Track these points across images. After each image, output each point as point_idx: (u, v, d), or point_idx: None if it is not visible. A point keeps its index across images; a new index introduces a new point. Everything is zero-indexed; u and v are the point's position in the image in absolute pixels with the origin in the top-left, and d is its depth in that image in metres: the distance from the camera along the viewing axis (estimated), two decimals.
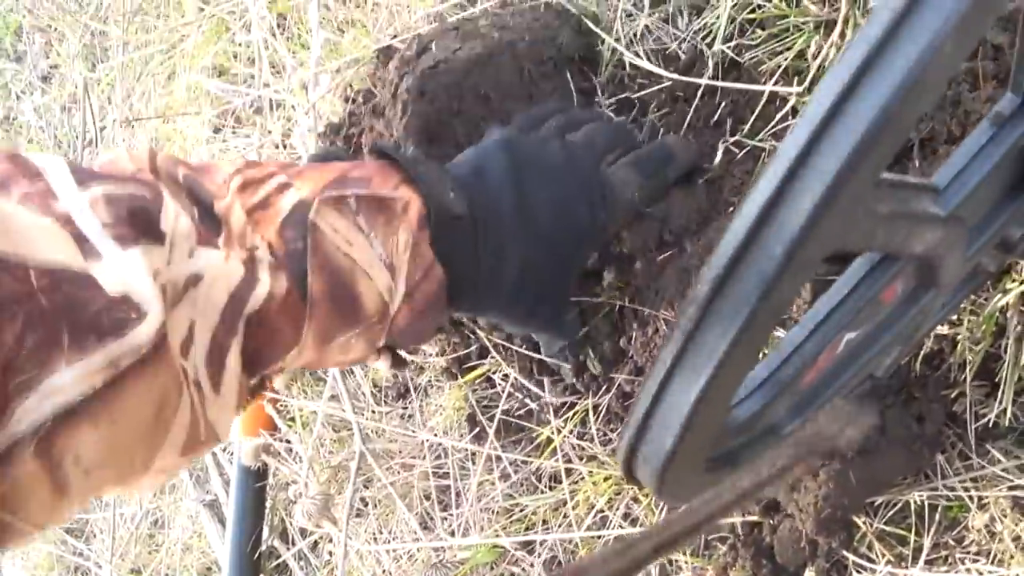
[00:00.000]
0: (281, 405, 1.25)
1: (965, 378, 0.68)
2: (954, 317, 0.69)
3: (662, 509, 0.82)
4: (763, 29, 0.88)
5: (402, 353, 0.69)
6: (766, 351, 0.46)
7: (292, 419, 1.25)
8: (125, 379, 0.41)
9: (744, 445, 0.44)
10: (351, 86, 1.15)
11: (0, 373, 0.36)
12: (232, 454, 1.35)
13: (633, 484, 0.39)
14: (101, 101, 2.01)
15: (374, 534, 1.10)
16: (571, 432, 0.89)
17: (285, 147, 1.33)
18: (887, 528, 0.71)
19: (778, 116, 0.86)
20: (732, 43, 0.90)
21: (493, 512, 0.96)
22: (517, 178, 0.66)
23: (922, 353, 0.69)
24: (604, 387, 0.84)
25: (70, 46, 2.27)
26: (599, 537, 0.87)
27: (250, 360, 0.51)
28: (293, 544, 1.30)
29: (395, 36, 1.16)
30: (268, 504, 1.30)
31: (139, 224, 0.45)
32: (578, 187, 0.69)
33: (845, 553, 0.71)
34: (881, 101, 0.28)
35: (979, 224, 0.46)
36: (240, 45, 1.56)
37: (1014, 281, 0.63)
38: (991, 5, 0.29)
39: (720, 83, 0.88)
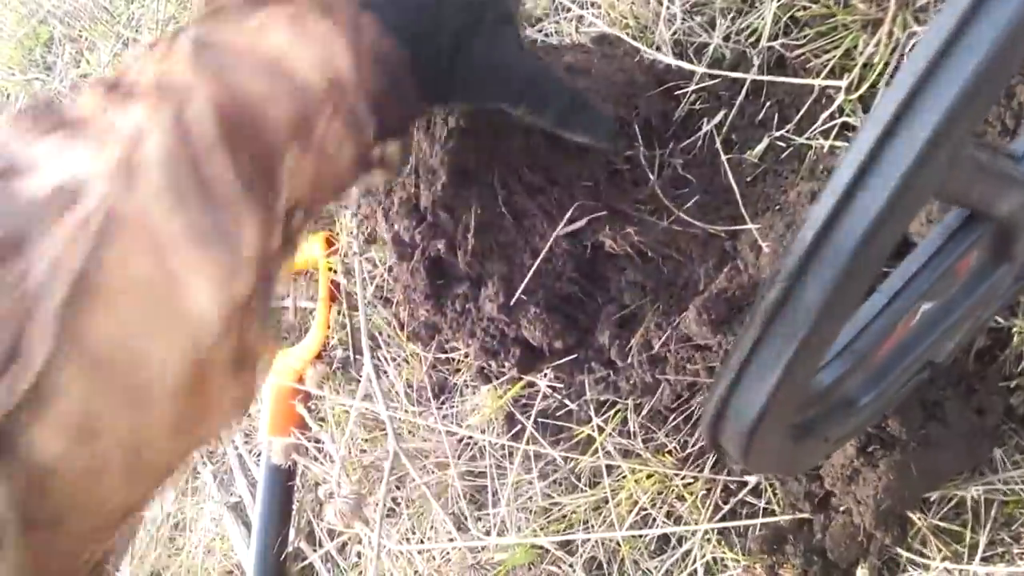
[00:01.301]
0: (313, 404, 1.25)
1: (1021, 371, 0.67)
2: (1008, 309, 0.69)
3: (708, 507, 0.81)
4: (809, 28, 0.89)
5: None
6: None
7: (323, 418, 1.25)
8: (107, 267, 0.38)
9: (822, 415, 0.44)
10: None
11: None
12: (260, 454, 1.35)
13: (716, 450, 0.38)
14: None
15: (406, 534, 1.09)
16: (613, 431, 0.88)
17: None
18: (942, 524, 0.70)
19: (824, 115, 0.86)
20: (777, 42, 0.90)
21: (531, 512, 0.95)
22: None
23: (977, 346, 0.69)
24: (647, 385, 0.84)
25: (101, 56, 2.30)
26: (641, 536, 0.86)
27: (251, 183, 0.46)
28: (320, 546, 1.29)
29: None
30: (295, 505, 1.29)
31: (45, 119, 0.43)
32: None
33: (898, 550, 0.70)
34: (987, 42, 0.28)
35: None
36: None
37: None
38: None
39: (764, 77, 0.88)
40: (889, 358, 0.46)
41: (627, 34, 0.99)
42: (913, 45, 0.80)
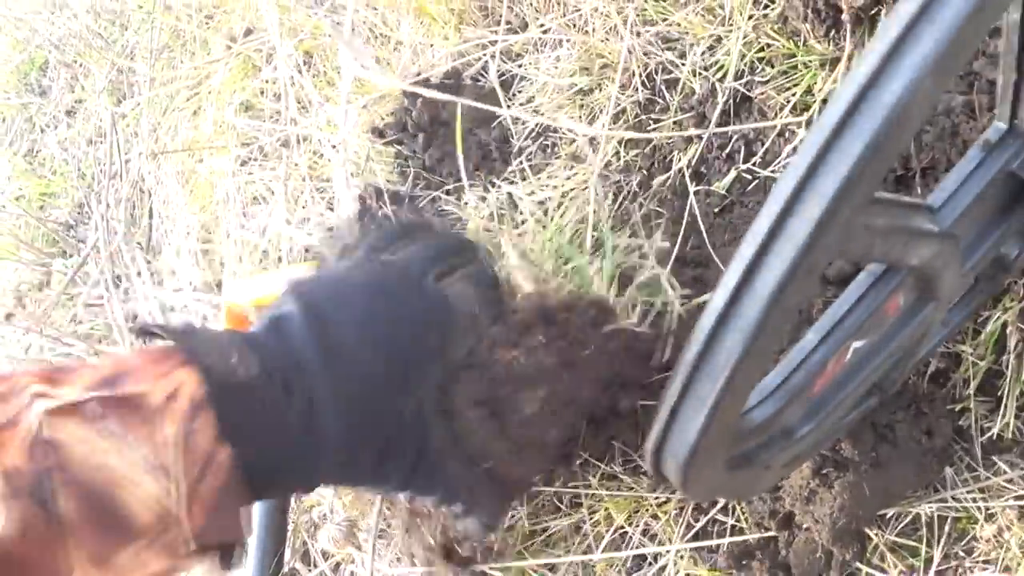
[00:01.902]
0: None
1: (970, 394, 0.71)
2: (958, 336, 0.73)
3: (681, 525, 0.85)
4: (772, 67, 0.93)
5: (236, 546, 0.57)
6: (775, 361, 0.50)
7: None
8: None
9: (761, 446, 0.47)
10: (382, 118, 1.20)
11: None
12: None
13: (660, 480, 0.42)
14: (126, 135, 2.07)
15: (399, 555, 1.12)
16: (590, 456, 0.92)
17: (312, 179, 1.38)
18: (898, 540, 0.74)
19: (787, 149, 0.90)
20: (741, 82, 0.94)
21: (517, 535, 0.98)
22: (316, 313, 0.59)
23: (929, 371, 0.73)
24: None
25: (96, 81, 2.34)
26: (618, 556, 0.89)
27: None
28: (315, 566, 1.32)
29: (419, 73, 1.21)
30: (290, 526, 1.33)
31: None
32: (394, 305, 0.63)
33: (859, 565, 0.74)
34: (872, 130, 0.32)
35: (973, 241, 0.49)
36: (267, 82, 1.62)
37: (1013, 300, 0.67)
38: (960, 49, 0.33)
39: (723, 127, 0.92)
40: (825, 392, 0.49)
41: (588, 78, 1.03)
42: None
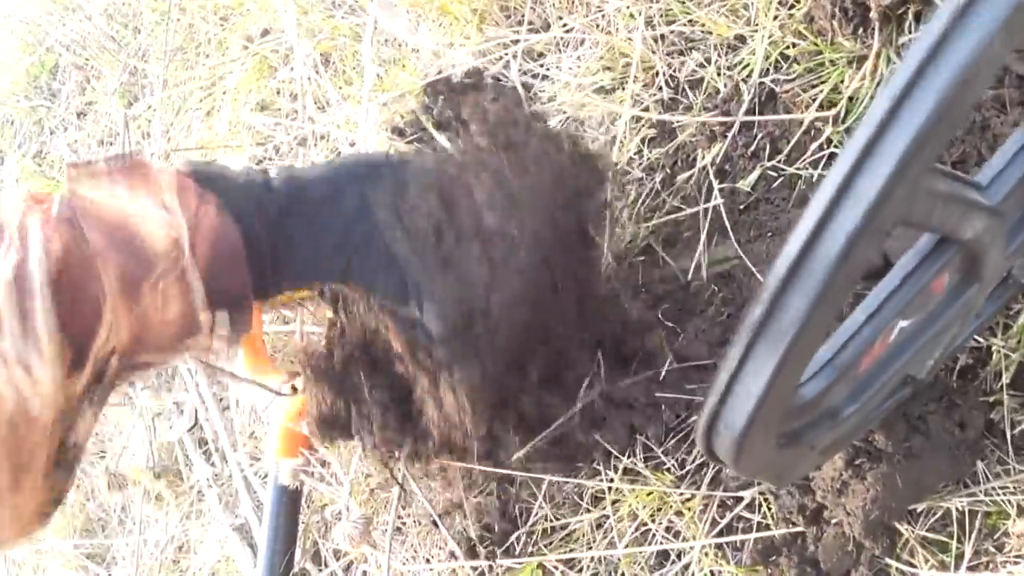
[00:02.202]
0: None
1: (1002, 387, 0.71)
2: (989, 329, 0.72)
3: (706, 522, 0.84)
4: (798, 64, 0.93)
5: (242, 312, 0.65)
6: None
7: None
8: None
9: (808, 425, 0.47)
10: (402, 116, 1.20)
11: None
12: (265, 476, 1.38)
13: (710, 457, 0.42)
14: (138, 136, 2.07)
15: (413, 553, 1.12)
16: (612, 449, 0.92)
17: None
18: (929, 535, 0.73)
19: (813, 146, 0.90)
20: (768, 78, 0.94)
21: (537, 532, 0.98)
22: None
23: (960, 364, 0.72)
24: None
25: (107, 83, 2.35)
26: (642, 552, 0.89)
27: (68, 323, 0.52)
28: (326, 566, 1.31)
29: (440, 72, 1.22)
30: (301, 526, 1.32)
31: None
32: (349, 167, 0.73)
33: (888, 560, 0.73)
34: (942, 87, 0.32)
35: (1016, 224, 0.49)
36: (283, 81, 1.62)
37: None
38: None
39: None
40: (870, 372, 0.49)
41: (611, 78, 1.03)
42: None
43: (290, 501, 1.30)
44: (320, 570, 1.33)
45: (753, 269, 0.85)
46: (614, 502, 0.89)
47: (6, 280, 0.50)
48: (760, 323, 0.35)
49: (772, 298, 0.34)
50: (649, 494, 0.88)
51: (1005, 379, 0.70)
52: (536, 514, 0.97)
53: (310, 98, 1.47)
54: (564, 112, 1.10)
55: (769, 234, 0.89)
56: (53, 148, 2.56)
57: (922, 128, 0.31)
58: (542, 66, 1.16)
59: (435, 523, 1.09)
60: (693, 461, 0.86)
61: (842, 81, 0.89)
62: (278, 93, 1.66)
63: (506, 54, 1.18)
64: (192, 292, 0.57)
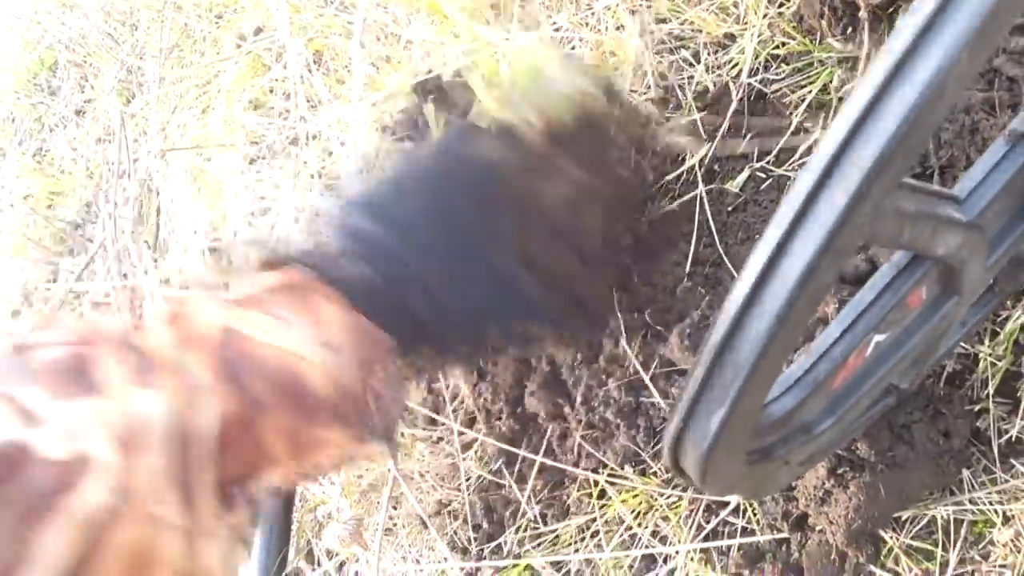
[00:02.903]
0: None
1: (988, 395, 0.70)
2: (975, 336, 0.72)
3: (692, 526, 0.84)
4: (787, 64, 0.92)
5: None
6: (795, 354, 0.49)
7: None
8: (105, 538, 0.39)
9: (780, 441, 0.46)
10: (391, 115, 1.20)
11: None
12: None
13: (678, 474, 0.41)
14: (135, 134, 2.07)
15: (404, 553, 1.12)
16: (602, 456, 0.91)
17: (321, 177, 1.37)
18: (913, 543, 0.73)
19: (802, 148, 0.89)
20: (757, 78, 0.93)
21: (526, 534, 0.97)
22: (385, 219, 0.62)
23: (946, 371, 0.72)
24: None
25: (105, 81, 2.34)
26: (628, 555, 0.88)
27: (230, 486, 0.47)
28: (319, 565, 1.31)
29: (430, 71, 1.21)
30: (295, 525, 1.32)
31: (76, 379, 0.43)
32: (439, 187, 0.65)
33: (873, 568, 0.73)
34: (906, 107, 0.31)
35: (997, 235, 0.48)
36: (276, 80, 1.62)
37: None
38: (995, 25, 0.32)
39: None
40: (846, 386, 0.48)
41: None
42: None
43: (282, 500, 1.30)
44: (313, 569, 1.33)
45: (735, 272, 0.84)
46: (601, 506, 0.89)
47: (167, 434, 0.44)
48: (721, 346, 0.34)
49: (732, 321, 0.34)
50: (635, 496, 0.88)
51: (991, 387, 0.69)
52: (524, 515, 0.97)
53: (302, 97, 1.47)
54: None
55: (757, 236, 0.88)
56: (53, 146, 2.56)
57: (885, 148, 0.31)
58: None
59: (424, 524, 1.08)
60: None
61: (831, 81, 0.88)
62: (271, 92, 1.65)
63: (496, 52, 1.17)
64: (356, 427, 0.52)
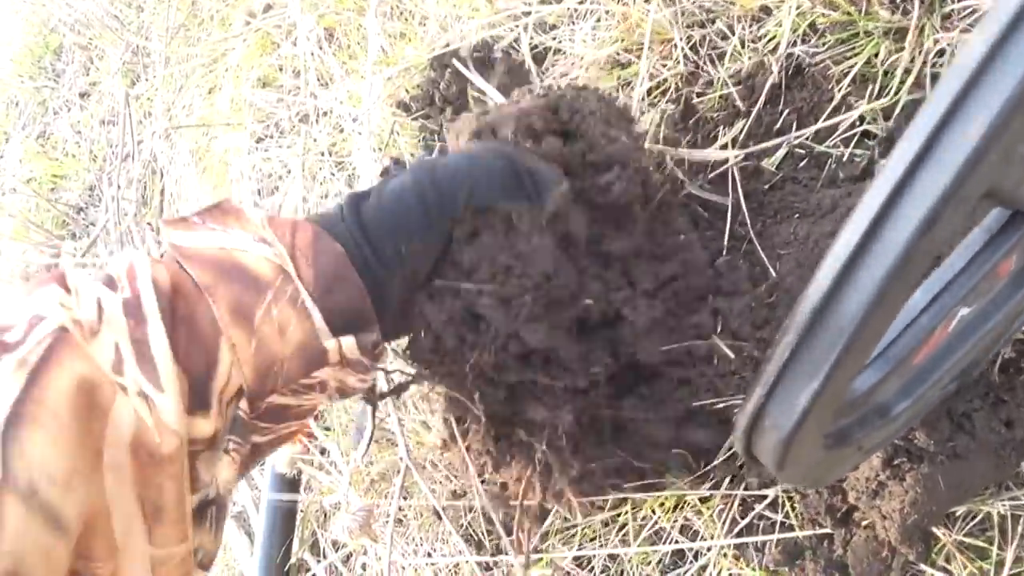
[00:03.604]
0: (318, 412, 1.23)
1: None
2: None
3: (725, 521, 0.79)
4: (829, 35, 0.87)
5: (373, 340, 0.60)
6: None
7: (328, 428, 1.24)
8: (44, 370, 0.43)
9: (856, 423, 0.42)
10: (407, 90, 1.15)
11: None
12: (263, 465, 1.33)
13: (750, 461, 0.37)
14: (140, 115, 2.03)
15: (415, 547, 1.07)
16: None
17: (332, 154, 1.33)
18: (967, 540, 0.68)
19: (844, 124, 0.85)
20: (796, 49, 0.89)
21: (547, 531, 0.93)
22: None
23: (1002, 357, 0.67)
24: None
25: (111, 63, 2.30)
26: (655, 551, 0.84)
27: (184, 359, 0.50)
28: (324, 557, 1.27)
29: (447, 45, 1.16)
30: (299, 516, 1.27)
31: None
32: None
33: (923, 567, 0.68)
34: None
35: None
36: (286, 58, 1.57)
37: None
38: None
39: None
40: (925, 364, 0.44)
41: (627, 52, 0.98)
42: (943, 51, 0.78)
43: (287, 489, 1.26)
44: (318, 561, 1.29)
45: (760, 255, 0.80)
46: (632, 502, 0.84)
47: (119, 311, 0.49)
48: (823, 302, 0.29)
49: (838, 274, 0.29)
50: (668, 496, 0.83)
51: None
52: (549, 511, 0.92)
53: (313, 74, 1.42)
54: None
55: (796, 215, 0.83)
56: (57, 129, 2.52)
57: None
58: (554, 39, 1.10)
59: (438, 515, 1.04)
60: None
61: (877, 54, 0.84)
62: (280, 70, 1.61)
63: (517, 26, 1.13)
64: (309, 315, 0.54)
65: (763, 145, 0.87)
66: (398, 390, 0.72)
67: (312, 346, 0.54)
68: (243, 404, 0.53)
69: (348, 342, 0.55)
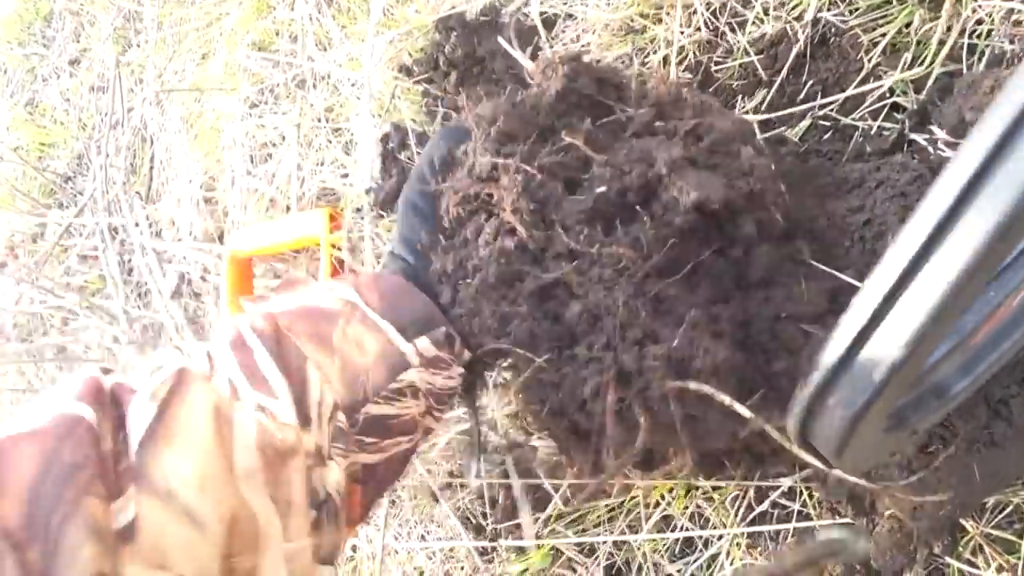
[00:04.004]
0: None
1: None
2: None
3: (738, 509, 0.76)
4: (861, 1, 0.83)
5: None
6: None
7: None
8: (172, 400, 0.49)
9: (913, 404, 0.38)
10: (410, 54, 1.10)
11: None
12: None
13: (803, 447, 0.33)
14: (131, 82, 1.97)
15: (409, 530, 1.03)
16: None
17: (328, 120, 1.27)
18: (995, 532, 0.65)
19: (872, 96, 0.80)
20: (825, 14, 0.84)
21: (548, 516, 0.89)
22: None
23: None
24: None
25: (102, 28, 2.23)
26: (663, 538, 0.80)
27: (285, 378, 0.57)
28: None
29: (453, 7, 1.11)
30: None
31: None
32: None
33: (948, 559, 0.65)
34: None
35: None
36: (283, 22, 1.51)
37: None
38: None
39: None
40: (987, 342, 0.40)
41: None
42: (982, 20, 0.74)
43: None
44: None
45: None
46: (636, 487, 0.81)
47: (227, 351, 0.56)
48: (918, 255, 0.25)
49: (935, 228, 0.25)
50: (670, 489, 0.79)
51: None
52: (553, 496, 0.88)
53: (311, 37, 1.37)
54: (589, 53, 1.00)
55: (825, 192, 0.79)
56: (46, 96, 2.46)
57: None
58: (565, 3, 1.06)
59: (435, 496, 1.00)
60: None
61: (910, 23, 0.79)
62: (277, 34, 1.55)
63: None
64: (380, 328, 0.60)
65: (787, 111, 0.83)
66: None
67: (390, 352, 0.60)
68: (341, 417, 0.57)
69: (423, 343, 0.61)
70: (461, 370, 0.65)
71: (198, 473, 0.47)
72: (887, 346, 0.27)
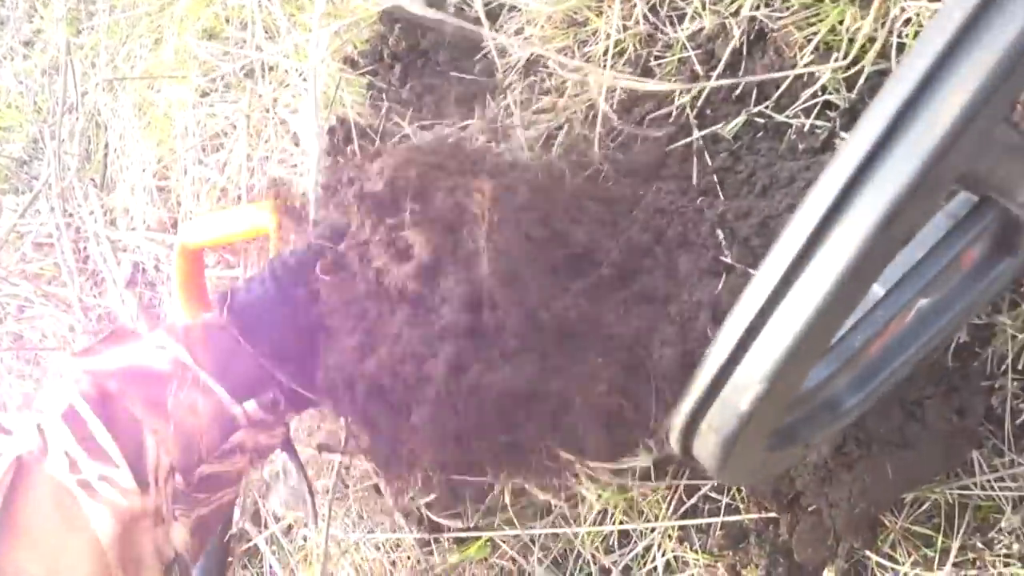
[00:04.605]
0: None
1: (1005, 370, 0.64)
2: (992, 305, 0.65)
3: (671, 502, 0.77)
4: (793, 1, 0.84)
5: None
6: None
7: None
8: (12, 497, 0.52)
9: (804, 420, 0.39)
10: (355, 45, 1.09)
11: None
12: None
13: (688, 460, 0.34)
14: (84, 67, 1.93)
15: (356, 520, 1.04)
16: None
17: (277, 112, 1.26)
18: (913, 527, 0.67)
19: (806, 93, 0.81)
20: (760, 13, 0.85)
21: (494, 506, 0.90)
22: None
23: (955, 342, 0.65)
24: None
25: (55, 10, 2.18)
26: (600, 531, 0.81)
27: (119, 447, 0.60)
28: (266, 527, 1.24)
29: None
30: (242, 484, 1.23)
31: None
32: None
33: (868, 553, 0.67)
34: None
35: None
36: (233, 8, 1.49)
37: None
38: None
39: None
40: (879, 357, 0.41)
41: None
42: (910, 20, 0.75)
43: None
44: (260, 531, 1.26)
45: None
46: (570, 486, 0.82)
47: (61, 416, 0.58)
48: (770, 298, 0.26)
49: (788, 267, 0.26)
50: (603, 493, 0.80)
51: (1010, 363, 0.63)
52: (493, 490, 0.89)
53: (259, 26, 1.35)
54: (531, 46, 0.99)
55: (756, 190, 0.80)
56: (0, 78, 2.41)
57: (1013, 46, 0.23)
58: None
59: (378, 489, 1.01)
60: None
61: (842, 21, 0.80)
62: (227, 21, 1.53)
63: None
64: (214, 392, 0.63)
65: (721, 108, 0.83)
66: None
67: (222, 415, 0.63)
68: (178, 478, 0.60)
69: (251, 406, 0.64)
70: (284, 428, 0.70)
71: (45, 568, 0.50)
72: (750, 378, 0.28)
